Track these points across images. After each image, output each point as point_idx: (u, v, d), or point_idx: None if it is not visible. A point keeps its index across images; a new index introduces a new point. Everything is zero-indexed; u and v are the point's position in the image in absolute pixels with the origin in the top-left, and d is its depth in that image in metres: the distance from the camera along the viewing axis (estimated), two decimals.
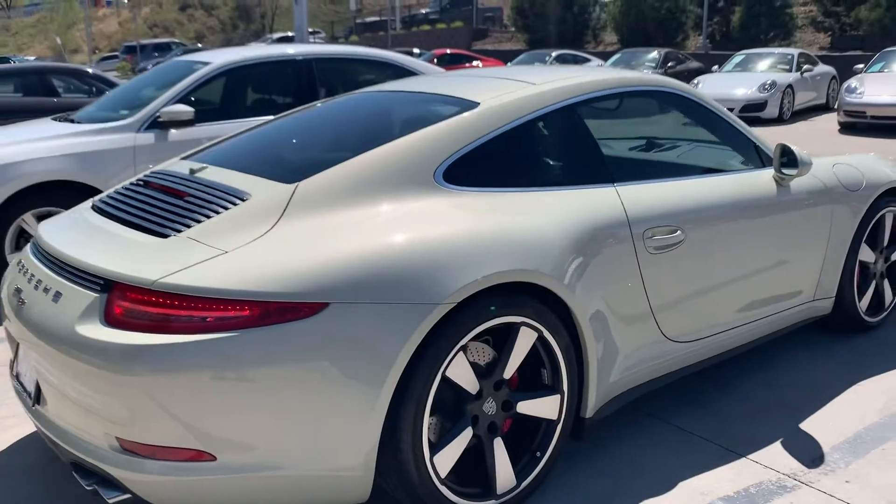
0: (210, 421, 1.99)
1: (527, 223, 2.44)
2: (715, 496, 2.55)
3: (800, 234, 3.37)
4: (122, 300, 2.05)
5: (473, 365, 2.33)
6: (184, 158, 2.93)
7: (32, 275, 2.35)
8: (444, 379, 2.21)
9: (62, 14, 68.16)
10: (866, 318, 3.87)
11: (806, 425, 3.02)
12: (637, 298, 2.73)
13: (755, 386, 3.35)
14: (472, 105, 2.71)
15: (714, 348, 3.12)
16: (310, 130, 2.95)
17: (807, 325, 3.70)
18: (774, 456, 2.80)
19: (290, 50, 5.64)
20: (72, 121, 5.27)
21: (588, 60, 21.06)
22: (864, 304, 3.83)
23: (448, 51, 25.08)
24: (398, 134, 2.57)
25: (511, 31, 30.95)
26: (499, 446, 2.37)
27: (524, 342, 2.37)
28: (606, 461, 2.76)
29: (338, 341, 2.03)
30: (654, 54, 18.31)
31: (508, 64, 21.85)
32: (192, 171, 2.62)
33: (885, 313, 3.99)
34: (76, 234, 2.43)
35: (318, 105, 3.24)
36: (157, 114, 4.96)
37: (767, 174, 3.29)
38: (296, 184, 2.33)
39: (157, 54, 35.67)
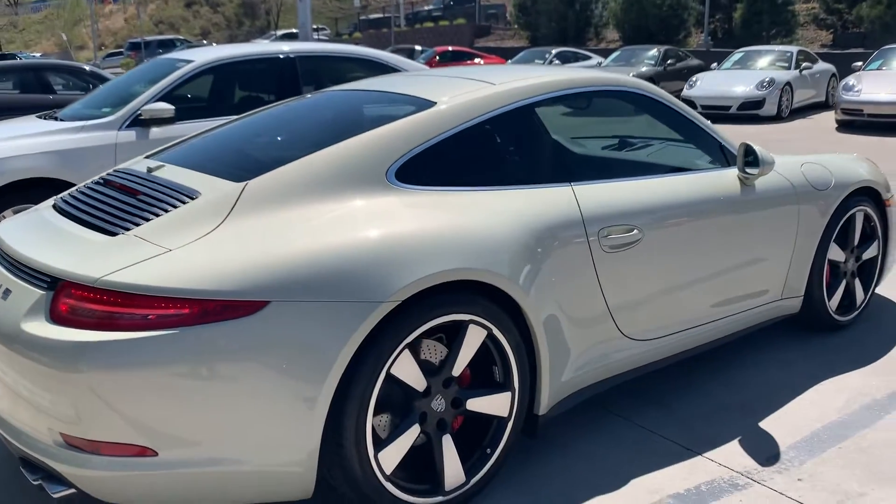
0: (152, 417, 2.02)
1: (477, 222, 2.45)
2: (665, 494, 2.56)
3: (765, 233, 3.38)
4: (68, 298, 2.07)
5: (425, 362, 2.36)
6: (148, 157, 2.96)
7: None
8: (390, 377, 2.23)
9: (69, 11, 68.37)
10: (837, 317, 3.87)
11: (764, 424, 3.03)
12: (592, 297, 2.75)
13: (718, 385, 3.36)
14: (428, 104, 2.73)
15: (676, 347, 3.14)
16: (269, 129, 2.97)
17: (778, 324, 3.71)
18: (730, 455, 2.81)
19: (274, 48, 5.67)
20: (56, 118, 5.31)
21: (588, 58, 21.02)
22: (833, 303, 3.84)
23: (450, 48, 25.08)
24: (353, 133, 2.58)
25: (514, 29, 30.91)
26: (447, 443, 2.39)
27: (473, 340, 2.39)
28: (562, 458, 2.78)
29: (278, 340, 2.05)
30: (654, 52, 18.25)
31: (509, 61, 21.85)
32: (150, 170, 2.65)
33: (857, 312, 3.99)
34: (31, 232, 2.46)
35: (283, 104, 3.27)
36: (139, 111, 4.99)
37: (732, 173, 3.30)
38: (245, 182, 2.35)
39: (161, 51, 35.74)
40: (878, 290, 4.24)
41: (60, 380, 2.01)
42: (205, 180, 2.44)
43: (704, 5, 23.68)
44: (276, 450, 2.10)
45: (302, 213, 2.31)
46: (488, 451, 2.50)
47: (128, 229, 2.26)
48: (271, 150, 2.62)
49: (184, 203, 2.32)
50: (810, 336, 3.85)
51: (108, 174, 2.77)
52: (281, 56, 5.55)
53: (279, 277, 2.08)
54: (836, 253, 3.80)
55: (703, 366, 3.53)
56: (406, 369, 2.26)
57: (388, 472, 2.26)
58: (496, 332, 2.43)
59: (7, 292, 2.22)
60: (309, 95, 3.34)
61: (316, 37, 43.05)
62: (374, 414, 2.28)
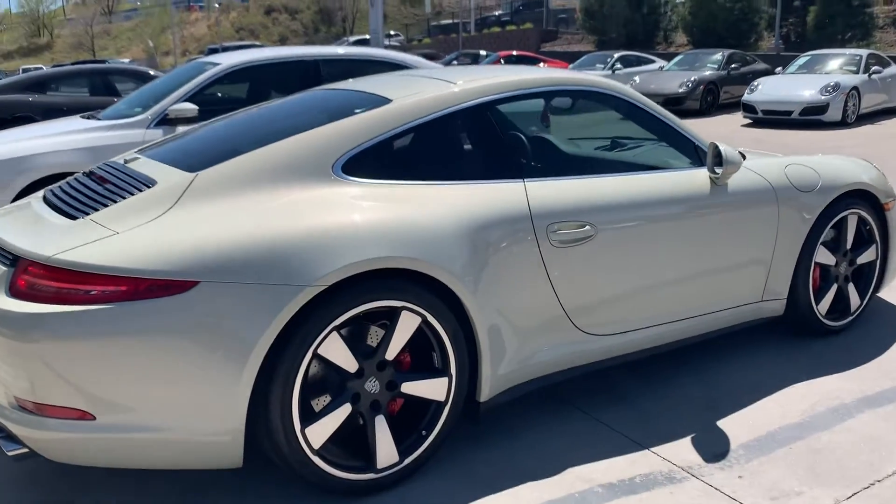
0: (91, 384, 2.21)
1: (416, 213, 2.57)
2: (597, 483, 2.62)
3: (739, 233, 3.37)
4: (25, 274, 2.29)
5: (362, 345, 2.49)
6: (137, 151, 3.18)
7: None
8: (318, 357, 2.36)
9: (156, 18, 71.45)
10: (827, 321, 3.81)
11: (723, 422, 3.03)
12: (540, 291, 2.82)
13: (687, 383, 3.37)
14: (383, 102, 2.86)
15: (639, 343, 3.17)
16: (240, 126, 3.15)
17: (766, 326, 3.69)
18: (678, 450, 2.84)
19: (299, 51, 5.90)
20: (97, 118, 5.66)
21: (652, 62, 20.76)
22: (822, 307, 3.78)
23: (514, 53, 25.17)
24: (309, 129, 2.74)
25: (581, 33, 30.73)
26: (381, 423, 2.51)
27: (406, 326, 2.50)
28: (506, 444, 2.87)
29: (206, 318, 2.22)
30: (718, 56, 17.90)
31: (570, 66, 21.76)
32: (126, 162, 2.87)
33: (851, 318, 3.91)
34: (13, 218, 2.70)
35: (264, 104, 3.45)
36: (166, 111, 5.29)
37: (702, 173, 3.31)
38: (196, 173, 2.53)
39: None
40: (886, 297, 4.15)
41: (14, 348, 2.23)
42: (164, 171, 2.64)
43: (776, 8, 23.06)
44: (203, 420, 2.26)
45: (246, 201, 2.47)
46: (423, 433, 2.61)
47: (87, 214, 2.47)
48: (232, 144, 2.79)
49: (140, 191, 2.52)
50: (797, 339, 3.80)
51: (94, 166, 3.01)
52: (306, 59, 5.78)
53: (211, 259, 2.25)
54: (824, 256, 3.74)
55: (675, 362, 3.54)
56: (335, 351, 2.39)
57: (316, 446, 2.39)
58: (431, 319, 2.53)
59: None
60: (294, 95, 3.52)
61: (387, 43, 43.75)
62: (309, 392, 2.43)
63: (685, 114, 16.48)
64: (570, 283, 2.89)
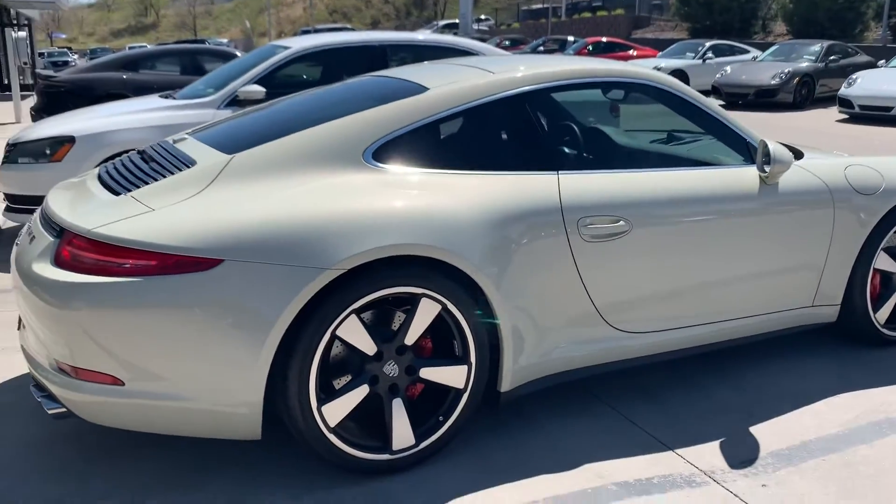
0: (121, 352, 2.34)
1: (441, 202, 2.59)
2: (611, 480, 2.60)
3: (788, 236, 3.25)
4: (68, 245, 2.44)
5: (383, 329, 2.54)
6: (189, 132, 3.32)
7: (31, 226, 2.81)
8: (336, 338, 2.43)
9: (255, 0, 73.42)
10: (885, 331, 3.64)
11: (755, 429, 2.95)
12: (569, 285, 2.80)
13: (724, 388, 3.28)
14: (421, 90, 2.89)
15: (674, 343, 3.11)
16: (285, 111, 3.23)
17: (820, 332, 3.56)
18: (703, 453, 2.78)
19: (367, 36, 5.99)
20: (173, 97, 5.91)
21: (746, 51, 19.99)
22: (881, 315, 3.61)
23: (603, 39, 24.74)
24: (345, 115, 2.80)
25: (675, 20, 29.86)
26: (398, 406, 2.56)
27: (425, 313, 2.54)
28: (526, 434, 2.87)
29: (229, 295, 2.31)
30: (816, 47, 17.12)
31: (659, 54, 21.21)
32: (174, 142, 3.00)
33: None
34: (68, 191, 2.87)
35: (314, 89, 3.53)
36: (236, 93, 5.47)
37: (752, 172, 3.20)
38: (232, 155, 2.63)
39: None
40: None
41: (56, 314, 2.38)
42: (205, 152, 2.75)
43: None
44: (224, 392, 2.36)
45: (276, 184, 2.55)
46: (441, 419, 2.65)
47: (129, 191, 2.60)
48: (272, 128, 2.87)
49: (180, 170, 2.63)
50: (850, 348, 3.65)
51: (147, 146, 3.15)
52: (372, 45, 5.86)
53: (236, 239, 2.34)
54: (886, 263, 3.57)
55: (714, 366, 3.46)
56: (353, 333, 2.45)
57: (332, 424, 2.46)
58: (451, 307, 2.56)
59: (33, 238, 2.63)
60: (344, 81, 3.59)
61: (476, 27, 43.63)
62: (331, 372, 2.50)
63: (777, 107, 15.87)
64: (602, 279, 2.86)
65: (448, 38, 6.34)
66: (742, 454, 2.78)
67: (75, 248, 2.41)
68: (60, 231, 2.50)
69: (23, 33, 17.87)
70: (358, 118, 2.75)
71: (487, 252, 2.60)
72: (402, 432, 2.57)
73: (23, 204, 5.27)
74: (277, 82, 5.65)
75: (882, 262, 3.55)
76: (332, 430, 2.47)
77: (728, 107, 16.31)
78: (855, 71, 15.47)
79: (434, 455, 2.67)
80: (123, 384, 2.36)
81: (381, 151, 2.70)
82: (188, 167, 2.65)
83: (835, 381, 3.33)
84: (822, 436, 2.90)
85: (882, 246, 3.51)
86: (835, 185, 3.36)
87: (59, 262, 2.44)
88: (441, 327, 2.62)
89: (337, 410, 2.47)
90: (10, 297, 3.49)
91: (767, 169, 3.10)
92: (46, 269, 2.43)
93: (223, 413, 2.39)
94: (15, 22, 27.60)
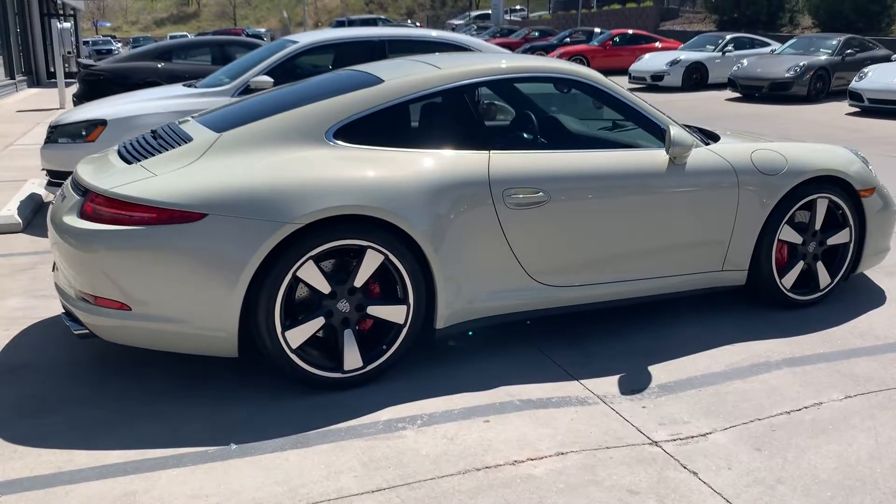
0: (128, 283, 3.02)
1: (388, 172, 3.23)
2: (518, 398, 3.21)
3: (696, 208, 3.81)
4: (91, 202, 3.13)
5: (337, 274, 3.19)
6: (193, 116, 3.99)
7: (63, 189, 3.50)
8: (297, 279, 3.08)
9: None
10: (792, 294, 4.18)
11: (653, 367, 3.53)
12: (495, 242, 3.42)
13: (640, 336, 3.87)
14: (377, 81, 3.53)
15: (593, 296, 3.70)
16: (273, 98, 3.87)
17: (739, 294, 4.12)
18: (602, 384, 3.37)
19: (369, 32, 6.63)
20: (195, 86, 6.62)
21: (766, 44, 20.20)
22: (787, 281, 4.15)
23: (629, 31, 25.08)
24: (316, 101, 3.45)
25: (703, 12, 29.99)
26: (349, 336, 3.21)
27: (370, 261, 3.18)
28: (454, 363, 3.52)
29: (211, 241, 2.98)
30: (833, 41, 17.32)
31: (681, 46, 21.52)
32: (180, 123, 3.67)
33: (821, 293, 4.26)
34: (94, 162, 3.57)
35: (300, 81, 4.19)
36: (248, 83, 6.16)
37: (662, 154, 3.77)
38: (220, 133, 3.29)
39: None
40: (877, 280, 4.45)
41: (79, 255, 3.07)
42: (201, 131, 3.42)
43: None
44: (208, 318, 3.03)
45: (254, 157, 3.21)
46: (384, 347, 3.29)
47: (139, 160, 3.29)
48: (258, 112, 3.53)
49: (179, 145, 3.31)
50: (761, 309, 4.19)
51: (159, 126, 3.84)
52: (372, 39, 6.50)
53: (217, 197, 3.00)
54: (789, 234, 4.11)
55: (636, 318, 4.04)
56: (311, 275, 3.10)
57: (294, 346, 3.12)
58: (392, 258, 3.20)
59: (64, 198, 3.33)
60: (319, 76, 4.24)
61: (508, 18, 44.03)
62: (297, 308, 3.16)
63: (791, 100, 16.15)
64: (525, 240, 3.47)
65: (443, 35, 6.96)
66: (634, 384, 3.37)
67: (96, 204, 3.10)
68: (85, 191, 3.19)
69: (67, 24, 18.84)
70: (323, 104, 3.40)
71: (424, 214, 3.22)
72: (351, 357, 3.22)
73: (62, 179, 6.01)
74: (286, 73, 6.32)
75: (786, 234, 4.09)
76: (294, 351, 3.13)
77: (743, 99, 16.67)
78: (872, 64, 15.66)
79: (379, 377, 3.31)
80: (130, 309, 3.04)
81: (341, 132, 3.34)
82: (186, 142, 3.32)
83: (737, 334, 3.90)
84: (707, 373, 3.48)
85: (785, 220, 4.05)
86: (740, 167, 3.92)
87: (83, 214, 3.13)
88: (386, 275, 3.25)
89: (298, 335, 3.13)
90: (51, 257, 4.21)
91: (670, 150, 3.68)
92: (74, 221, 3.12)
93: (207, 335, 3.06)
94: (61, 12, 28.76)
